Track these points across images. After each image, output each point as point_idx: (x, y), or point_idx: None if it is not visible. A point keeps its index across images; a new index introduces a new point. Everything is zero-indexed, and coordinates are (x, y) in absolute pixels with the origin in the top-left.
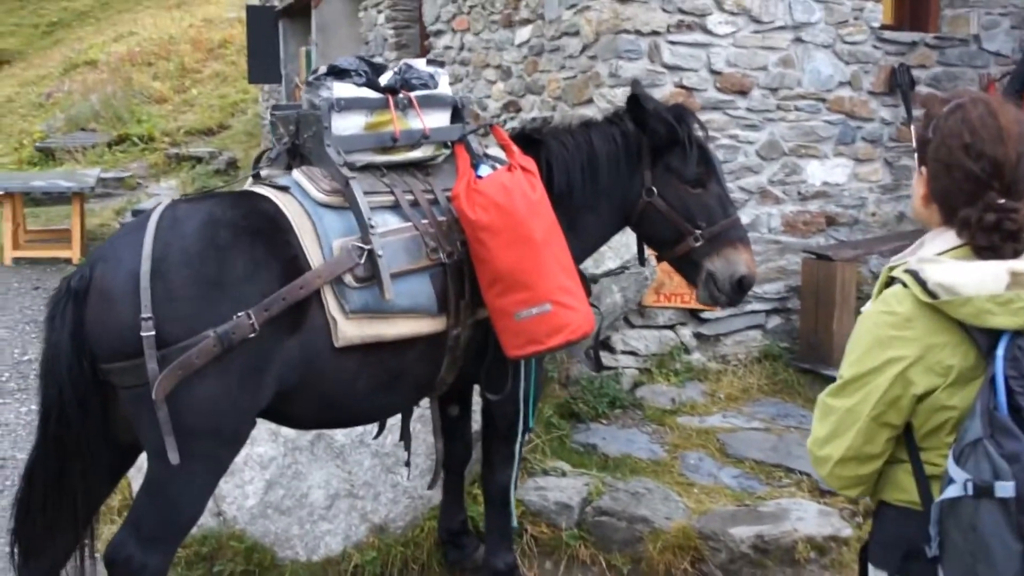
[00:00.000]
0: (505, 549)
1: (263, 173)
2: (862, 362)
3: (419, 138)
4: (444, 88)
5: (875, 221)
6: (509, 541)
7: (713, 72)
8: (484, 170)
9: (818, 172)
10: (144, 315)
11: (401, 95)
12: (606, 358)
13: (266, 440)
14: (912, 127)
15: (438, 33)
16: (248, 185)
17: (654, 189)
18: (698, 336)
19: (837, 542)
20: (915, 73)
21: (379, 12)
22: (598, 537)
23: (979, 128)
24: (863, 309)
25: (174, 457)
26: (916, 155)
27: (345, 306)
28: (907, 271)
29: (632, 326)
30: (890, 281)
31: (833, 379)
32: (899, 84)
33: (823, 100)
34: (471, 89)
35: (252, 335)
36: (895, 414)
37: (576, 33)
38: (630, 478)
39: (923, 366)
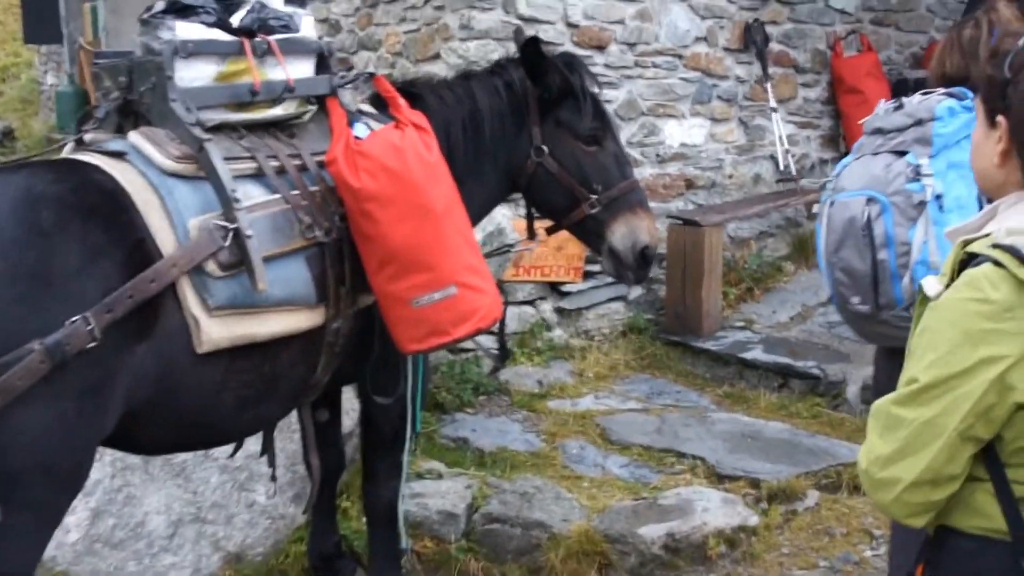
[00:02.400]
0: (393, 573)
1: (88, 138)
2: (946, 363)
3: (282, 91)
4: (308, 31)
5: (732, 183)
6: (398, 564)
7: (570, 25)
8: (361, 129)
9: (676, 133)
10: None
11: (259, 38)
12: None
13: None
14: (768, 85)
15: None
16: (69, 152)
17: (544, 148)
18: (559, 311)
19: (746, 532)
20: (768, 30)
21: None
22: (490, 548)
23: None
24: (930, 294)
25: None
26: (982, 105)
27: (208, 301)
28: (999, 247)
29: None
30: (966, 259)
31: (704, 351)
32: (753, 40)
33: (680, 57)
34: None
35: (92, 344)
36: (985, 427)
37: None
38: (513, 475)
39: None
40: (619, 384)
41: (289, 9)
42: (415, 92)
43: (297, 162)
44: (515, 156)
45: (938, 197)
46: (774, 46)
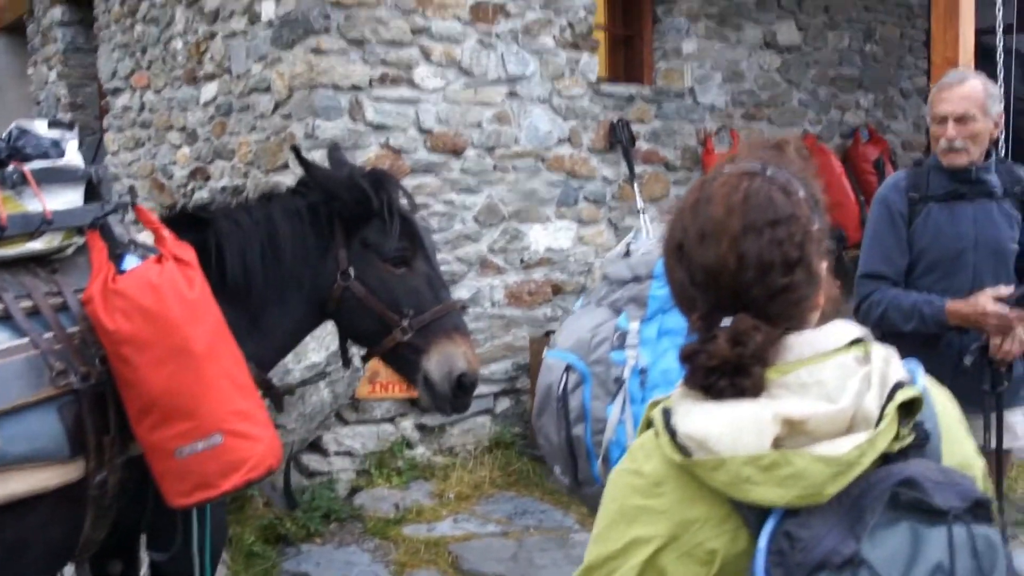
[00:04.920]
0: None
1: None
2: (605, 540)
3: (39, 224)
4: (72, 157)
5: None
6: None
7: (423, 131)
8: (131, 262)
9: (541, 237)
10: None
11: (11, 167)
12: (317, 461)
13: None
14: (635, 184)
15: (116, 91)
16: None
17: (351, 271)
18: (421, 428)
19: None
20: (634, 128)
21: (50, 68)
22: None
23: (690, 222)
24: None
25: None
26: None
27: None
28: (664, 410)
29: (346, 423)
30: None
31: None
32: (619, 140)
33: (542, 159)
34: (154, 155)
35: None
36: None
37: (267, 89)
38: None
39: (678, 551)
40: (482, 504)
41: (54, 134)
42: (206, 217)
43: (56, 300)
44: (321, 280)
45: (641, 371)
46: (642, 144)
